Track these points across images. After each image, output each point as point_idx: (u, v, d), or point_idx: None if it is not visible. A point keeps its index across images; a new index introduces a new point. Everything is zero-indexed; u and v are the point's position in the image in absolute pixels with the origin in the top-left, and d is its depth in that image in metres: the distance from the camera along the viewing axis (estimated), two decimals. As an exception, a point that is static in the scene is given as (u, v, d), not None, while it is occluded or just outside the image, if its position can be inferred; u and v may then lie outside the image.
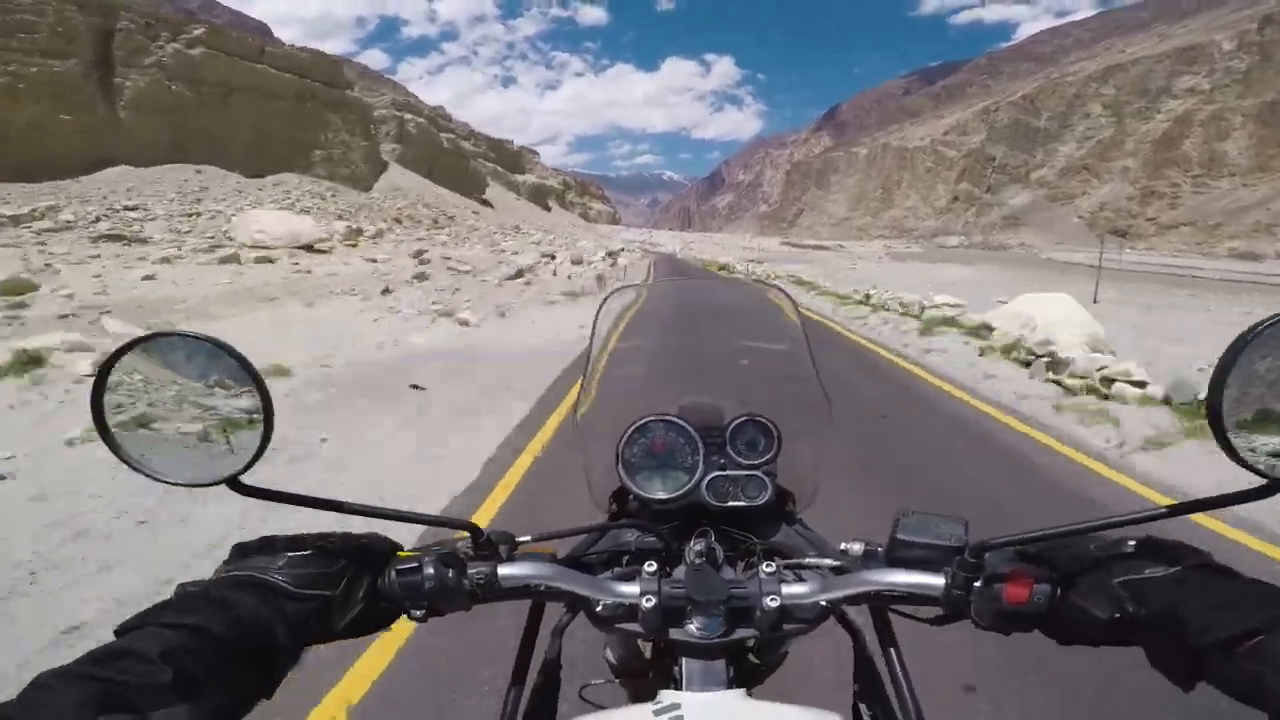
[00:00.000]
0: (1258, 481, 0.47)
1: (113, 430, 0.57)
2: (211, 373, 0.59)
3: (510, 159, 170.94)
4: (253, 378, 0.58)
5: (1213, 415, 0.48)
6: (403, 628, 0.78)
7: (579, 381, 1.05)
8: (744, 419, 0.92)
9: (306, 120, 70.11)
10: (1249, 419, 0.48)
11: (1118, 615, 0.53)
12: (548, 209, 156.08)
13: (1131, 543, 0.56)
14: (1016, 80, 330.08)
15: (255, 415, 0.59)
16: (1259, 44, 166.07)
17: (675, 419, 0.90)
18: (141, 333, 0.52)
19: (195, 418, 0.60)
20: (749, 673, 0.76)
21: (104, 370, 0.57)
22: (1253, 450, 0.47)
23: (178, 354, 0.60)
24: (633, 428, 0.90)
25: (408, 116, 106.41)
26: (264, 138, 66.38)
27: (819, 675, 1.55)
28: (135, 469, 0.58)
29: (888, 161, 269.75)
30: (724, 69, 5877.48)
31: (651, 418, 0.90)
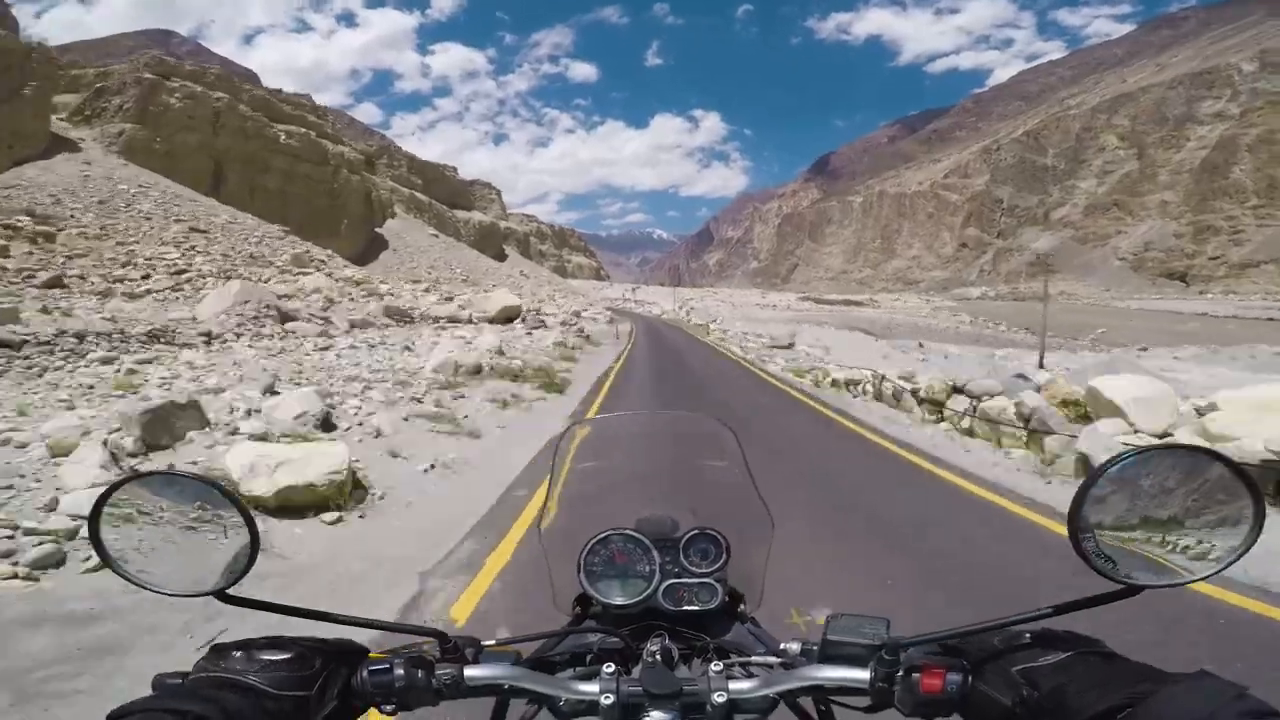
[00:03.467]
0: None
1: (110, 550, 0.65)
2: (200, 502, 0.68)
3: (452, 191, 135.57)
4: (238, 507, 0.66)
5: (1073, 536, 0.58)
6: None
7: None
8: (695, 531, 0.97)
9: None
10: (1104, 539, 0.59)
11: (1019, 699, 0.58)
12: (503, 257, 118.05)
13: (1029, 634, 0.62)
14: (1009, 120, 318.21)
15: (242, 538, 0.67)
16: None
17: (633, 532, 0.96)
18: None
19: (185, 539, 0.69)
20: None
21: (100, 501, 0.65)
22: (1108, 562, 0.59)
23: (171, 488, 0.69)
24: (594, 540, 0.95)
25: (175, 83, 59.86)
26: None
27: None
28: (132, 581, 0.65)
29: (885, 209, 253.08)
30: (711, 125, 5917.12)
31: (611, 531, 0.96)
